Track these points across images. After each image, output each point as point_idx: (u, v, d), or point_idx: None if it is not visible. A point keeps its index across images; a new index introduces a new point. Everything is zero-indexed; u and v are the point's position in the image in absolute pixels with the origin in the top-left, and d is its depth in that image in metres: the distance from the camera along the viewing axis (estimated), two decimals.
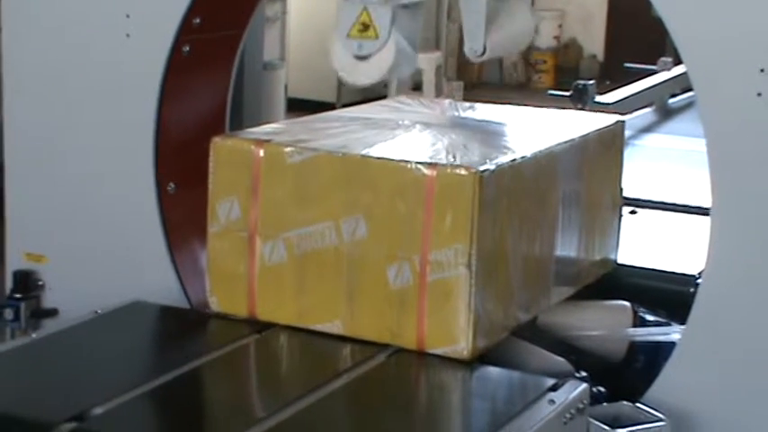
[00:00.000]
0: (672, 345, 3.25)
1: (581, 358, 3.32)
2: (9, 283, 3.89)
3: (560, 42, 15.61)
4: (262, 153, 3.14)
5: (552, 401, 2.79)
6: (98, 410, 2.64)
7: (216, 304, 3.26)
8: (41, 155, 3.85)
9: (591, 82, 6.66)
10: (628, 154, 3.88)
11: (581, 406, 2.85)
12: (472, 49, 3.32)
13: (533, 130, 3.51)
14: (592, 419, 2.93)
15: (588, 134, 3.53)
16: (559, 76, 15.09)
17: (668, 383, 3.17)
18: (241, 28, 3.88)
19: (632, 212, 4.40)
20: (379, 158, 3.05)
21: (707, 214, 3.15)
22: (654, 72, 7.66)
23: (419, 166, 2.97)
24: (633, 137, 6.02)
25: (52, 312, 3.85)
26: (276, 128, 3.52)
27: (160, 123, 3.65)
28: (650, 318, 3.50)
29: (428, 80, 12.22)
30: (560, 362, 3.24)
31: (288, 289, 3.14)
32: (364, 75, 3.31)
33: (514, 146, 3.22)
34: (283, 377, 3.11)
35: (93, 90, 3.74)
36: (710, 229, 3.12)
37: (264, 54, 8.44)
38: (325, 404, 2.77)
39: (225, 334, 3.19)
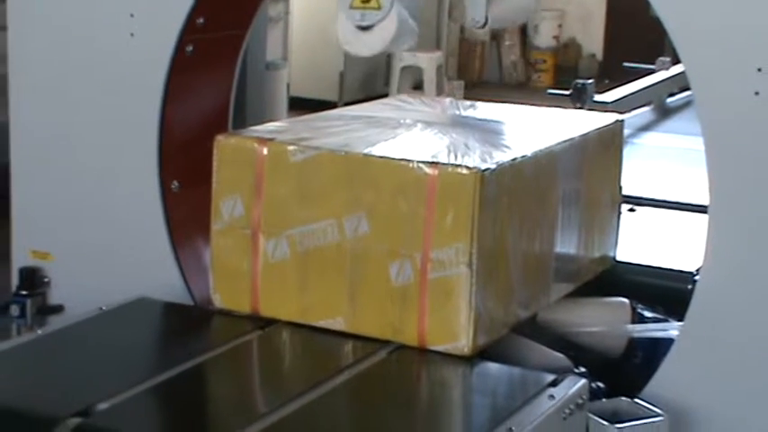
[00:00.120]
0: (670, 341, 3.27)
1: (580, 354, 3.33)
2: (15, 280, 3.91)
3: (560, 42, 15.61)
4: (265, 151, 3.16)
5: (552, 397, 2.81)
6: (103, 406, 2.66)
7: (219, 301, 3.28)
8: (47, 153, 3.87)
9: (590, 81, 6.67)
10: (626, 152, 3.90)
11: (580, 401, 2.87)
12: (474, 19, 3.33)
13: (533, 129, 3.53)
14: (591, 414, 2.94)
15: (588, 133, 3.55)
16: (559, 76, 15.07)
17: (666, 379, 3.19)
18: (244, 28, 3.89)
19: (631, 210, 4.41)
20: (381, 157, 3.06)
21: (704, 212, 3.17)
22: (652, 71, 7.68)
23: (421, 164, 2.99)
24: (632, 135, 6.04)
25: (58, 309, 3.87)
26: (279, 126, 3.53)
27: (164, 122, 3.66)
28: (648, 314, 3.51)
29: (429, 79, 12.23)
30: (560, 358, 3.26)
31: (291, 286, 3.16)
32: (367, 45, 3.33)
33: (515, 145, 3.23)
34: (286, 373, 3.12)
35: (97, 89, 3.76)
36: (708, 227, 3.14)
37: (267, 54, 8.47)
38: (327, 400, 2.78)
39: (228, 330, 3.20)
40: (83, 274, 3.84)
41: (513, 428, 2.62)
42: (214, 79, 3.88)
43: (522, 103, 4.13)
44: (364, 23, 3.29)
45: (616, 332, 3.47)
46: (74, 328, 3.20)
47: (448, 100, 4.05)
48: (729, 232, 3.11)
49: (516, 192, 3.10)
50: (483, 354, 3.03)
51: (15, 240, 3.96)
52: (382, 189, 3.03)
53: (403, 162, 3.02)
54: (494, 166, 2.98)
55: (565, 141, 3.39)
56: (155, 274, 3.67)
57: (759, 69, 2.98)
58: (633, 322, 3.49)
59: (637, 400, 3.10)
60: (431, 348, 3.02)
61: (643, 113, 6.91)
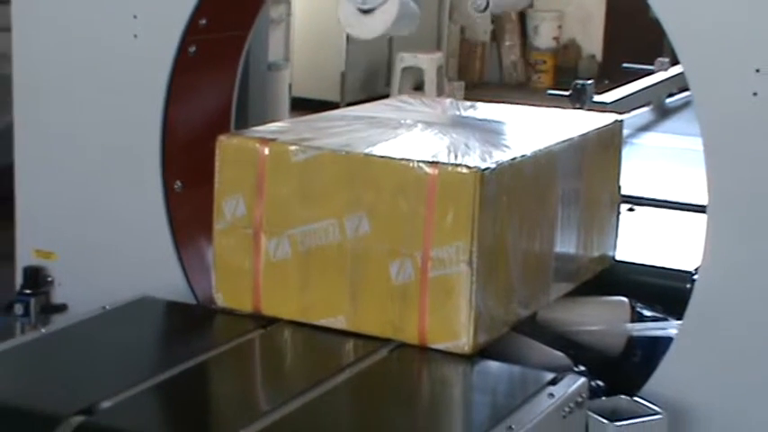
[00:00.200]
0: (669, 340, 3.27)
1: (580, 353, 3.34)
2: (19, 279, 3.92)
3: (559, 43, 15.60)
4: (267, 151, 3.17)
5: (551, 395, 2.81)
6: (106, 404, 2.66)
7: (221, 300, 3.29)
8: (51, 153, 3.88)
9: (589, 82, 6.67)
10: (626, 152, 3.91)
11: (580, 399, 2.88)
12: (475, 3, 3.35)
13: (533, 129, 3.54)
14: (590, 413, 2.95)
15: (587, 133, 3.56)
16: (558, 76, 15.07)
17: (665, 377, 3.20)
18: (246, 29, 3.90)
19: (630, 210, 4.42)
20: (381, 157, 3.07)
21: (703, 211, 3.18)
22: (651, 72, 7.69)
23: (421, 164, 3.00)
24: (631, 135, 6.05)
25: (61, 308, 3.88)
26: (281, 127, 3.55)
27: (167, 123, 3.68)
28: (647, 313, 3.52)
29: (430, 80, 12.24)
30: (559, 356, 3.26)
31: (292, 285, 3.17)
32: (368, 28, 3.33)
33: (515, 145, 3.24)
34: (287, 371, 3.12)
35: (100, 89, 3.76)
36: (707, 226, 3.15)
37: (269, 54, 8.50)
38: (328, 398, 2.79)
39: (230, 329, 3.21)
40: (86, 273, 3.85)
41: (513, 426, 2.63)
42: (217, 80, 3.89)
43: (522, 104, 4.14)
44: (366, 6, 3.29)
45: (615, 331, 3.48)
46: (77, 327, 3.21)
47: (448, 100, 4.05)
48: (728, 232, 3.12)
49: (516, 191, 3.11)
50: (483, 352, 3.04)
51: (19, 239, 3.97)
52: (383, 189, 3.04)
53: (403, 162, 3.03)
54: (494, 166, 2.99)
55: (564, 141, 3.40)
56: (158, 273, 3.68)
57: (757, 70, 2.99)
58: (632, 321, 3.50)
59: (636, 398, 3.10)
60: (431, 347, 3.03)
61: (642, 114, 6.92)
